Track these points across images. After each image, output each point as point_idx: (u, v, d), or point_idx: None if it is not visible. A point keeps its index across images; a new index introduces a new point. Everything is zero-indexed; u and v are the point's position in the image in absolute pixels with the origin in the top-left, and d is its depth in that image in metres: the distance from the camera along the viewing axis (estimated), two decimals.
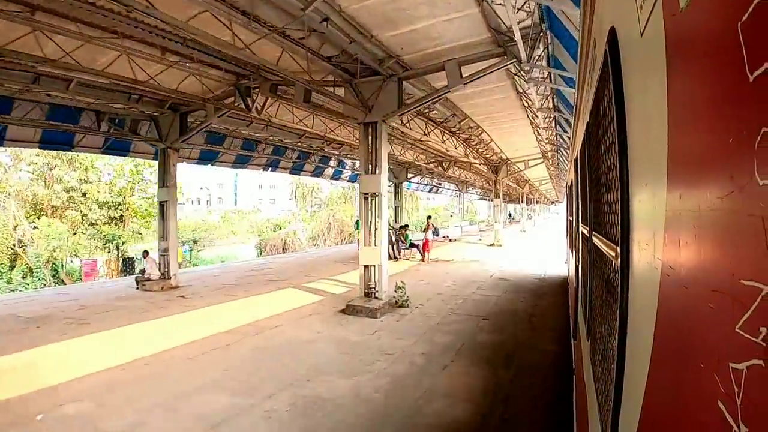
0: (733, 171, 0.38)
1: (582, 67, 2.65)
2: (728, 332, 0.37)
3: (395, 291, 8.01)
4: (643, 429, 0.72)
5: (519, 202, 40.39)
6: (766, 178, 0.32)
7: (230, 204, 57.91)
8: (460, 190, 37.76)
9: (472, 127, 13.27)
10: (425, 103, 8.06)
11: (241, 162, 15.01)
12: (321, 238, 33.19)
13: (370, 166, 7.75)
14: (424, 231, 16.61)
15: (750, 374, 0.33)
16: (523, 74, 6.86)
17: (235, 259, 24.52)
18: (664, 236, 0.62)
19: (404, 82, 7.69)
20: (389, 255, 11.74)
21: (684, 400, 0.52)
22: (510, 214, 43.62)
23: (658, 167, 0.64)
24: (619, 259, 1.00)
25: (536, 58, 6.22)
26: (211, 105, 8.87)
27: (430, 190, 33.14)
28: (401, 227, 16.12)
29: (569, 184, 5.74)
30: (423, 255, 14.84)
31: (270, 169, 16.45)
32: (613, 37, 1.08)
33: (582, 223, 2.85)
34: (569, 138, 7.73)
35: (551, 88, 7.62)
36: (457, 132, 13.81)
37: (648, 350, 0.68)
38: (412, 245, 15.52)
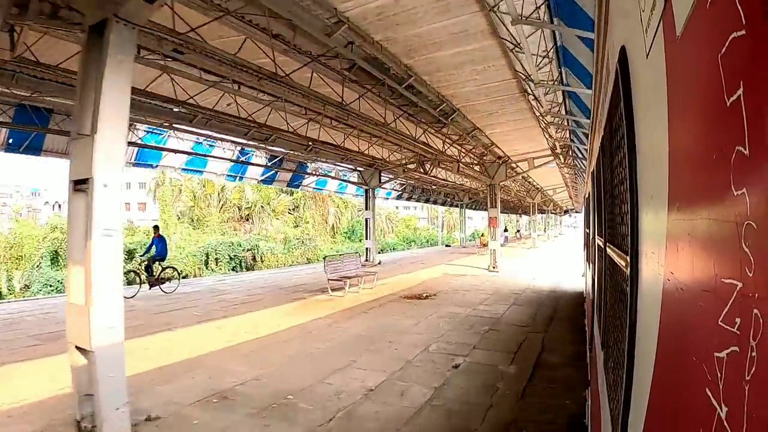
0: (715, 183, 0.43)
1: (597, 81, 2.69)
2: (713, 326, 0.42)
3: None
4: (648, 427, 0.76)
5: (527, 213, 38.79)
6: (740, 190, 0.37)
7: None
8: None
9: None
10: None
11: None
12: None
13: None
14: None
15: (728, 360, 0.38)
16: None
17: None
18: (666, 244, 0.66)
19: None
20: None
21: (681, 392, 0.57)
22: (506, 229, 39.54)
23: (661, 181, 0.69)
24: (629, 269, 1.04)
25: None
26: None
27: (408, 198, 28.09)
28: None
29: (586, 196, 5.71)
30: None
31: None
32: (623, 56, 1.13)
33: (598, 234, 2.85)
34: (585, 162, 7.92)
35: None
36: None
37: (653, 351, 0.72)
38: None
